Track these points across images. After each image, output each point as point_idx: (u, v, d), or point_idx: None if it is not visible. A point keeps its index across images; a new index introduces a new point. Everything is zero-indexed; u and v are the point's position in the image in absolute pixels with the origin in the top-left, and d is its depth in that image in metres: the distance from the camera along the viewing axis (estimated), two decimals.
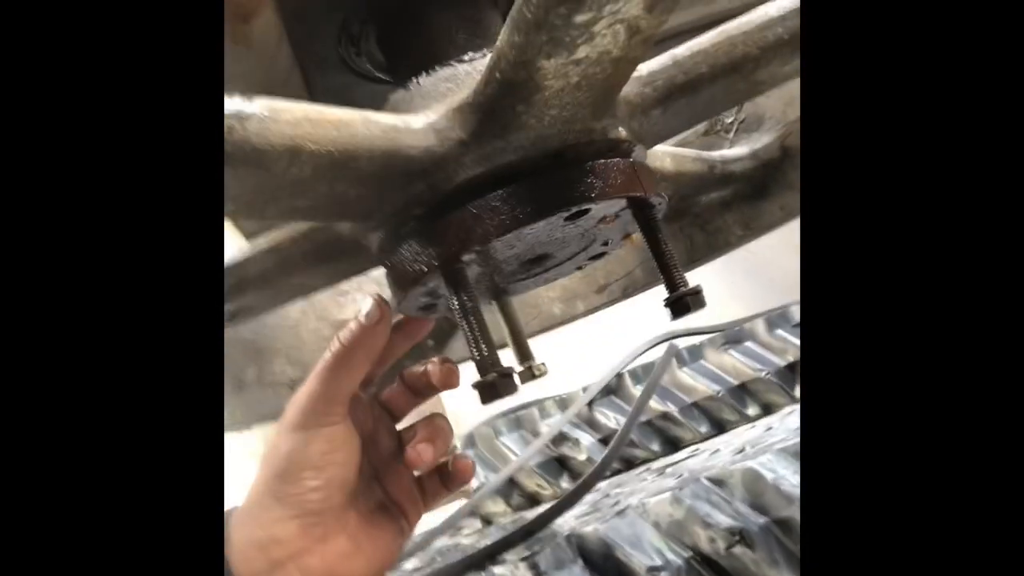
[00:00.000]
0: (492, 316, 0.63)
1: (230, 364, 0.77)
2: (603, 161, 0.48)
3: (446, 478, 0.58)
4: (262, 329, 0.82)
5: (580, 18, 0.36)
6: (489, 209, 0.46)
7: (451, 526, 1.12)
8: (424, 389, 0.56)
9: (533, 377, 0.61)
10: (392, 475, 0.56)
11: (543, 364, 0.62)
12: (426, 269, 0.48)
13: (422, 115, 0.45)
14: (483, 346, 0.48)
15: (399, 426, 0.58)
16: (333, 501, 0.50)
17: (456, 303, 0.48)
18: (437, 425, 0.55)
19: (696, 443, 1.17)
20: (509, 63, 0.40)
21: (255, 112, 0.36)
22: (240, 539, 0.48)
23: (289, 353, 0.81)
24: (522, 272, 0.58)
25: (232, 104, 0.35)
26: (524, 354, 0.62)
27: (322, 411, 0.49)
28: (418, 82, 0.49)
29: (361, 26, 0.55)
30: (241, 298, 0.56)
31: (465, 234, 0.46)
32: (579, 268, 0.63)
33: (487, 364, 0.48)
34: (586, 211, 0.48)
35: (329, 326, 0.79)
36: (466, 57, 0.50)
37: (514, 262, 0.54)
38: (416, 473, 0.58)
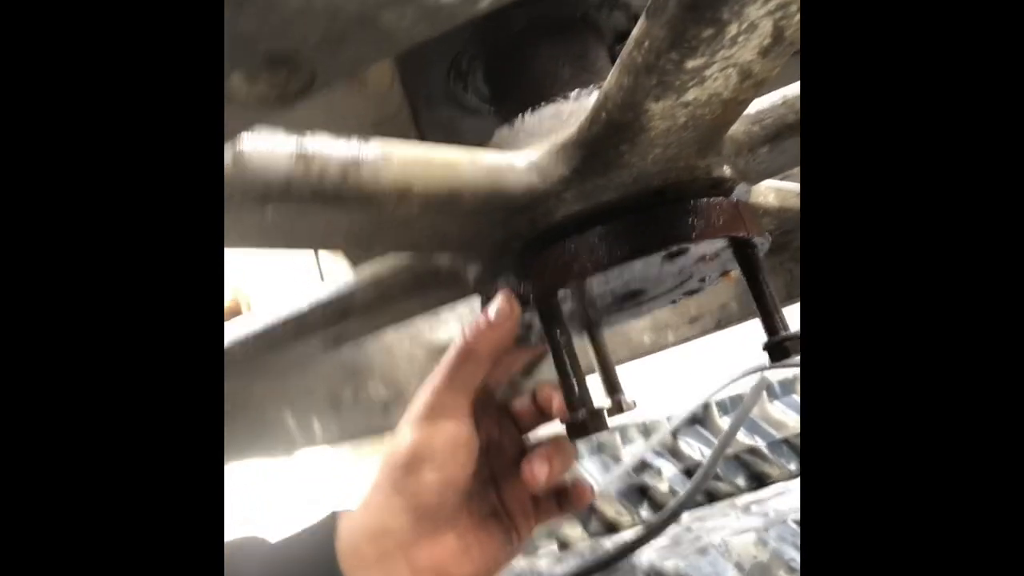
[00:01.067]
0: (581, 345, 0.63)
1: (329, 384, 0.80)
2: (705, 200, 0.47)
3: (562, 499, 0.57)
4: (358, 350, 0.85)
5: (692, 63, 0.36)
6: (587, 246, 0.46)
7: (528, 547, 1.12)
8: (551, 412, 0.56)
9: (620, 411, 0.61)
10: (509, 485, 0.55)
11: (633, 401, 0.61)
12: (522, 303, 0.49)
13: (525, 153, 0.46)
14: (574, 382, 0.48)
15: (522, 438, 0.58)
16: (448, 499, 0.50)
17: (549, 338, 0.49)
18: (559, 446, 0.54)
19: (784, 481, 1.13)
20: (616, 105, 0.40)
21: (370, 156, 0.37)
22: (350, 529, 0.49)
23: (383, 374, 0.83)
24: (616, 306, 0.57)
25: (349, 148, 0.37)
26: (613, 386, 0.62)
27: (445, 405, 0.49)
28: (523, 119, 0.50)
29: (470, 62, 0.56)
30: (344, 324, 0.58)
31: (562, 270, 0.47)
32: (673, 303, 0.63)
33: (578, 401, 0.48)
34: (685, 250, 0.47)
35: (422, 348, 0.80)
36: (571, 94, 0.50)
37: (608, 297, 0.54)
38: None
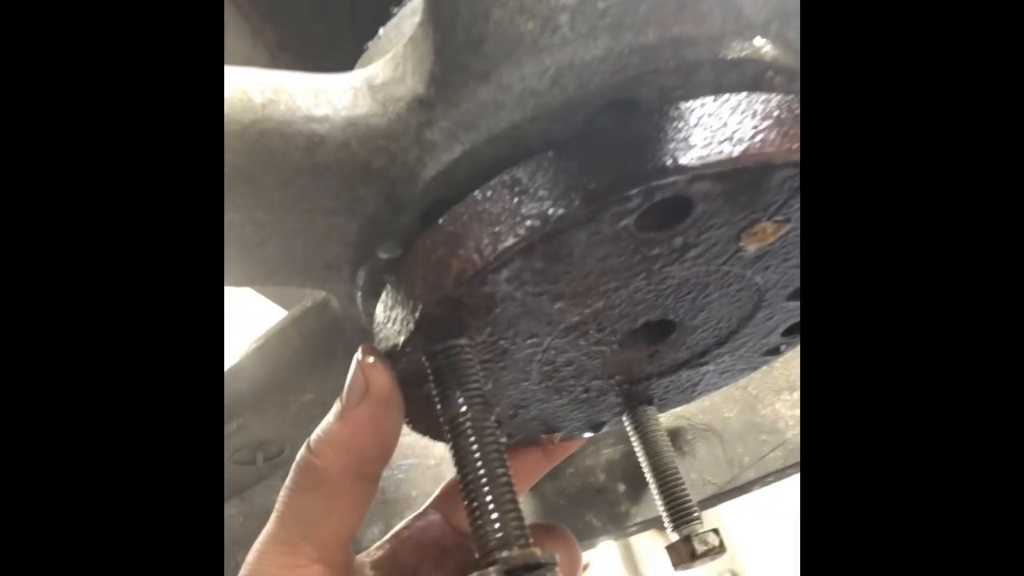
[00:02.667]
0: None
1: None
2: (708, 101, 0.23)
3: None
4: (392, 474, 0.64)
5: None
6: (475, 218, 0.24)
7: None
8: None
9: (694, 557, 0.33)
10: None
11: (714, 534, 0.34)
12: (400, 347, 0.26)
13: (355, 73, 0.26)
14: (486, 502, 0.24)
15: None
16: None
17: (445, 415, 0.25)
18: None
19: None
20: None
21: None
22: None
23: None
24: (644, 357, 0.32)
25: None
26: (678, 513, 0.35)
27: (281, 567, 0.27)
28: (381, 32, 0.29)
29: None
30: (236, 421, 0.39)
31: (438, 272, 0.24)
32: (775, 353, 0.36)
33: (489, 541, 0.23)
34: (681, 204, 0.23)
35: None
36: None
37: (610, 337, 0.29)
38: None
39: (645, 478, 0.37)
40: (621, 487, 0.64)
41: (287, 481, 0.28)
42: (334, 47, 0.38)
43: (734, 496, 0.63)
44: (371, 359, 0.27)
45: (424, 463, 0.65)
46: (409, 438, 0.71)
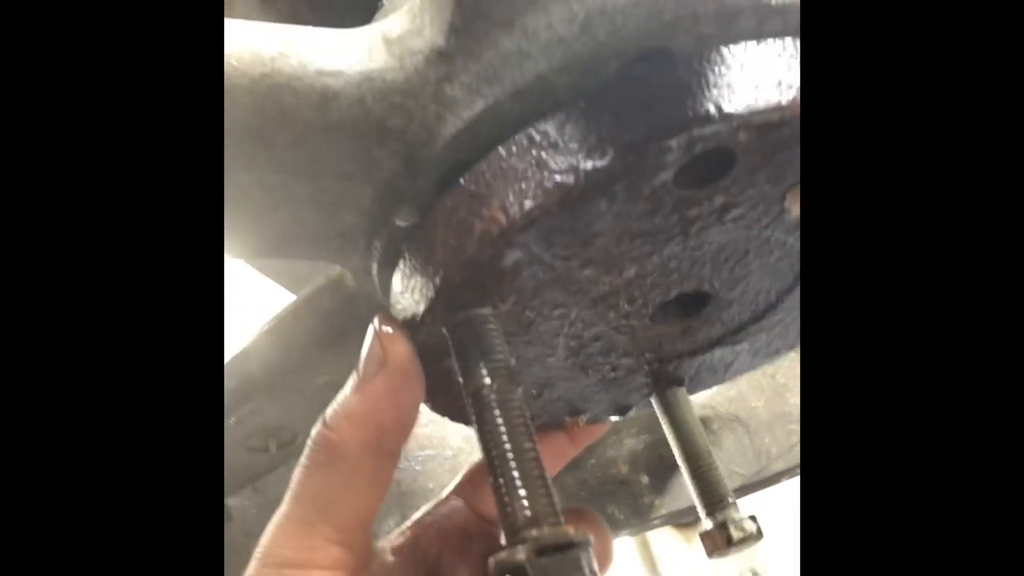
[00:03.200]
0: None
1: None
2: (751, 45, 0.21)
3: None
4: (409, 465, 0.63)
5: None
6: (499, 176, 0.22)
7: None
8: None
9: (730, 544, 0.32)
10: None
11: (752, 520, 0.32)
12: (419, 316, 0.25)
13: (370, 27, 0.24)
14: (513, 477, 0.22)
15: None
16: None
17: (464, 381, 0.24)
18: None
19: None
20: None
21: None
22: None
23: None
24: (677, 333, 0.31)
25: None
26: (712, 498, 0.33)
27: (291, 561, 0.25)
28: None
29: None
30: (247, 405, 0.38)
31: (458, 236, 0.23)
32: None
33: (517, 519, 0.22)
34: (723, 157, 0.21)
35: None
36: None
37: (641, 309, 0.28)
38: None
39: (668, 469, 0.36)
40: (644, 478, 0.63)
41: (301, 459, 0.26)
42: (348, 19, 0.37)
43: (761, 488, 0.61)
44: (388, 328, 0.25)
45: (441, 454, 0.64)
46: (426, 429, 0.69)
